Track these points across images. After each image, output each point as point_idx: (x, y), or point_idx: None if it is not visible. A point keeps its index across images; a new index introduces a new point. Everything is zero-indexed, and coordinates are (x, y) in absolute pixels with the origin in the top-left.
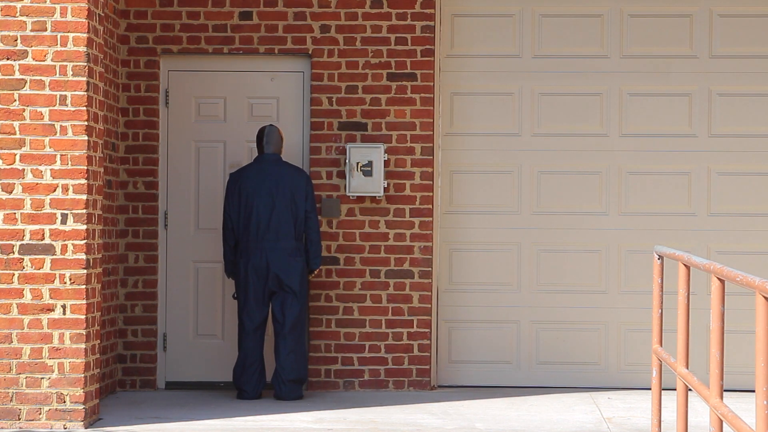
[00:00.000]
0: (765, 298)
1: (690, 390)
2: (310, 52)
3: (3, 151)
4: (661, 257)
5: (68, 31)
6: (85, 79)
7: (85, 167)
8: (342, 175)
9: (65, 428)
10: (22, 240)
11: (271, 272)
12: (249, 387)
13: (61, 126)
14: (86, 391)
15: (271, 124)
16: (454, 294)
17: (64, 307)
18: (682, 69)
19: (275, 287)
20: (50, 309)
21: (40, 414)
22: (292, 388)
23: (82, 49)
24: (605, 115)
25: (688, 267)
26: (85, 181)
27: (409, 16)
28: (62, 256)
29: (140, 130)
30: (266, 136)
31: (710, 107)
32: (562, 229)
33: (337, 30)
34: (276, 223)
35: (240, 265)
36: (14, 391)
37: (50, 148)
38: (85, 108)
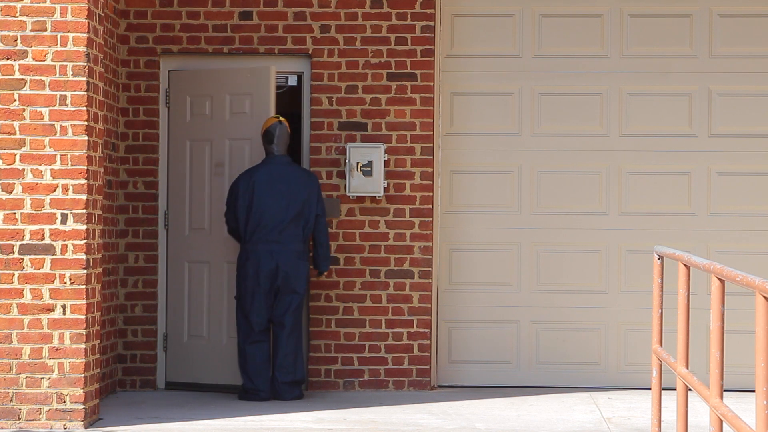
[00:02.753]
0: (765, 298)
1: (690, 390)
2: (310, 52)
3: (3, 151)
4: (661, 257)
5: (68, 31)
6: (85, 79)
7: (85, 167)
8: (342, 175)
9: (65, 428)
10: (22, 240)
11: (281, 274)
12: (264, 386)
13: (61, 126)
14: (86, 391)
15: (279, 121)
16: (454, 294)
17: (64, 307)
18: (682, 69)
19: (282, 289)
20: (50, 309)
21: (40, 414)
22: (290, 388)
23: (82, 49)
24: (605, 115)
25: (688, 267)
26: (85, 181)
27: (409, 16)
28: (62, 256)
29: (140, 130)
30: (277, 138)
31: (710, 107)
32: (562, 229)
33: (337, 30)
34: (286, 226)
35: (248, 267)
36: (14, 391)
37: (50, 148)
38: (85, 108)
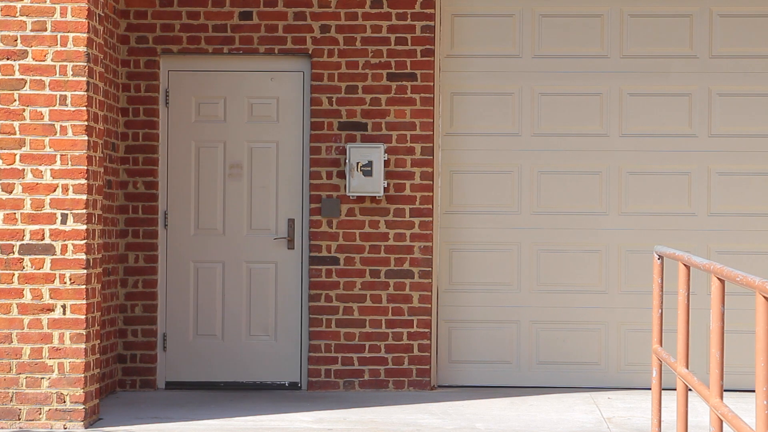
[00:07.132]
0: (765, 298)
1: (690, 390)
2: (310, 52)
3: (3, 151)
4: (661, 257)
5: (68, 31)
6: (85, 79)
7: (85, 167)
8: (342, 175)
9: (65, 428)
10: (22, 240)
11: None
12: None
13: (61, 126)
14: (86, 391)
15: None
16: (454, 294)
17: (64, 307)
18: (682, 69)
19: None
20: (50, 309)
21: (40, 414)
22: None
23: (82, 49)
24: (605, 115)
25: (688, 267)
26: (85, 181)
27: (409, 16)
28: (62, 256)
29: (140, 130)
30: None
31: (710, 107)
32: (562, 229)
33: (337, 30)
34: None
35: None
36: (14, 391)
37: (50, 148)
38: (85, 108)
